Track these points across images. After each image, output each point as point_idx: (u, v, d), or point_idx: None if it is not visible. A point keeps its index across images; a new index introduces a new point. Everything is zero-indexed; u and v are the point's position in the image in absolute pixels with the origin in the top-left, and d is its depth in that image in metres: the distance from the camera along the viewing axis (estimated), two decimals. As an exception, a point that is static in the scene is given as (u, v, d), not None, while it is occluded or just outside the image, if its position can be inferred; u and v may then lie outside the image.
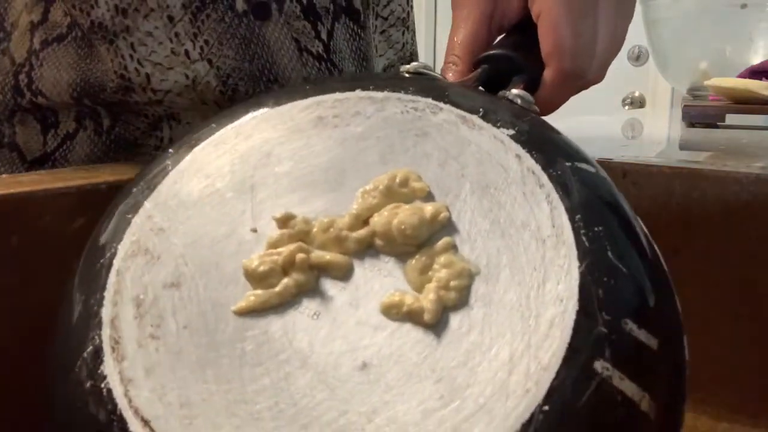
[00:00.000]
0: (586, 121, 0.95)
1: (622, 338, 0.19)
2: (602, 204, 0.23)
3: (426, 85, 0.27)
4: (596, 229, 0.22)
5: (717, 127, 0.80)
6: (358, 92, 0.26)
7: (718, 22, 0.98)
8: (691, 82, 1.00)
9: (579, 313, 0.20)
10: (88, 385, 0.20)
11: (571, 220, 0.22)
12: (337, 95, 0.26)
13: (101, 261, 0.22)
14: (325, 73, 0.51)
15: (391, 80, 0.27)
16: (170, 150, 0.26)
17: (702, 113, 0.81)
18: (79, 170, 0.42)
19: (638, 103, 2.09)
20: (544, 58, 0.32)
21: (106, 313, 0.21)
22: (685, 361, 0.22)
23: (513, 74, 0.32)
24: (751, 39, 0.97)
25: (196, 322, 0.21)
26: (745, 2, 0.94)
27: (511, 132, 0.24)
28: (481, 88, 0.31)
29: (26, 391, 0.30)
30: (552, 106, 0.33)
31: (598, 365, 0.19)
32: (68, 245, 0.31)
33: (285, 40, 0.49)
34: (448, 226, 0.22)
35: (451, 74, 0.33)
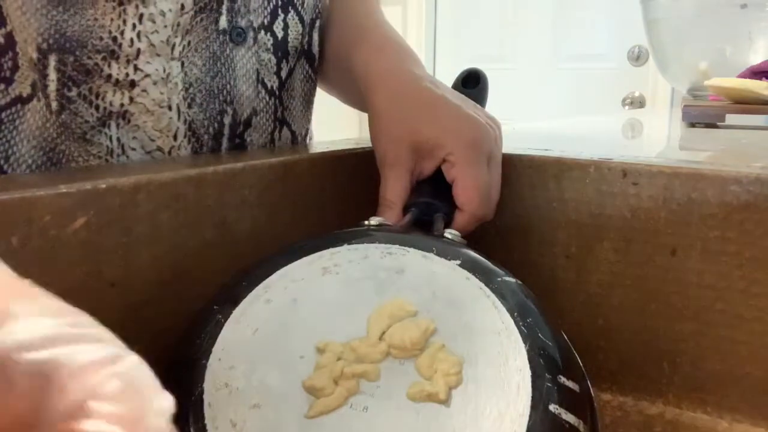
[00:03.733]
0: (586, 121, 0.91)
1: (560, 388, 0.33)
2: (526, 303, 0.37)
3: (389, 235, 0.40)
4: (528, 320, 0.35)
5: (717, 127, 0.81)
6: (346, 246, 0.39)
7: (718, 22, 1.01)
8: (691, 82, 1.03)
9: (532, 376, 0.33)
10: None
11: (512, 317, 0.35)
12: (332, 250, 0.39)
13: (192, 398, 0.32)
14: (271, 109, 0.59)
15: (365, 234, 0.41)
16: (216, 306, 0.36)
17: (702, 113, 0.82)
18: (79, 170, 0.43)
19: (638, 103, 2.06)
20: (459, 206, 0.47)
21: (213, 435, 0.31)
22: (592, 396, 0.36)
23: (434, 213, 0.46)
24: (751, 39, 1.00)
25: (281, 430, 0.31)
26: (745, 2, 0.97)
27: (458, 262, 0.38)
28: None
29: None
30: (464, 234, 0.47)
31: (551, 407, 0.32)
32: (68, 245, 0.36)
33: (249, 68, 0.56)
34: (436, 333, 0.35)
35: (388, 214, 0.47)
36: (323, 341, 0.34)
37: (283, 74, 0.58)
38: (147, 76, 0.48)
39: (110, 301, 0.38)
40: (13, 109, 0.45)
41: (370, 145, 0.51)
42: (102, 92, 0.47)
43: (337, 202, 0.53)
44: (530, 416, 0.31)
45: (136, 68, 0.47)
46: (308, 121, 0.65)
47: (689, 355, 0.48)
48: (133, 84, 0.48)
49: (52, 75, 0.45)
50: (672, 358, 0.48)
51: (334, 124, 0.70)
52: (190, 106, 0.51)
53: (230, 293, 0.36)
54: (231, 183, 0.45)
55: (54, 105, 0.46)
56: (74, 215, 0.35)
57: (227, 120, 0.54)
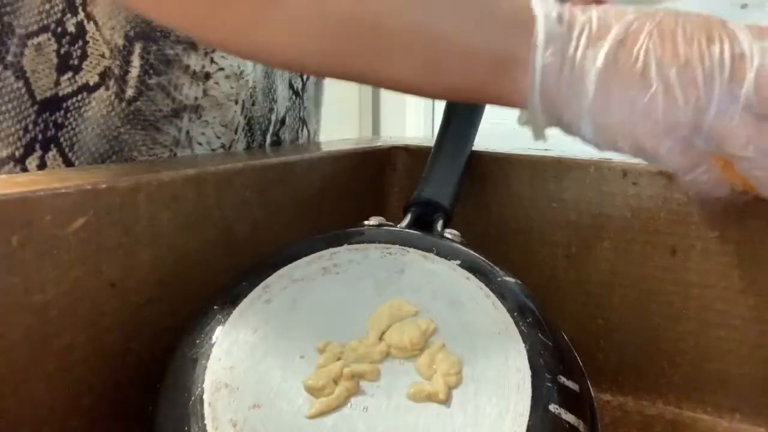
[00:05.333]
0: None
1: (560, 388, 0.33)
2: (526, 303, 0.37)
3: (389, 235, 0.41)
4: (528, 320, 0.36)
5: None
6: (346, 246, 0.39)
7: None
8: None
9: (532, 376, 0.33)
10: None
11: (512, 316, 0.35)
12: (332, 249, 0.39)
13: (192, 399, 0.32)
14: (297, 108, 0.61)
15: (365, 234, 0.41)
16: (215, 306, 0.36)
17: None
18: (79, 170, 0.44)
19: None
20: None
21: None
22: (592, 396, 0.37)
23: (434, 213, 0.46)
24: None
25: (282, 429, 0.31)
26: (745, 2, 0.98)
27: (458, 262, 0.38)
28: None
29: (26, 389, 0.35)
30: None
31: (551, 407, 0.32)
32: (68, 245, 0.36)
33: (283, 71, 0.58)
34: (436, 333, 0.35)
35: None
36: (323, 341, 0.34)
37: (305, 77, 0.61)
38: (221, 69, 0.50)
39: (110, 301, 0.38)
40: (79, 97, 0.47)
41: (370, 145, 0.51)
42: (180, 84, 0.49)
43: (337, 202, 0.53)
44: (530, 416, 0.31)
45: (212, 60, 0.50)
46: (317, 121, 0.68)
47: (689, 355, 0.48)
48: (207, 76, 0.50)
49: (136, 62, 0.47)
50: (672, 358, 0.48)
51: (334, 124, 0.71)
52: (253, 103, 0.54)
53: (230, 293, 0.36)
54: (231, 183, 0.45)
55: (131, 92, 0.48)
56: (74, 215, 0.36)
57: (273, 117, 0.58)
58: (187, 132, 0.51)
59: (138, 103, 0.48)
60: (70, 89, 0.47)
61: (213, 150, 0.53)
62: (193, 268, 0.43)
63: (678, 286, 0.47)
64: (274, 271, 0.37)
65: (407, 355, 0.34)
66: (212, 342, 0.34)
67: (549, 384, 0.33)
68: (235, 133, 0.54)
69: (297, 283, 0.37)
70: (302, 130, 0.63)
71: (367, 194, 0.51)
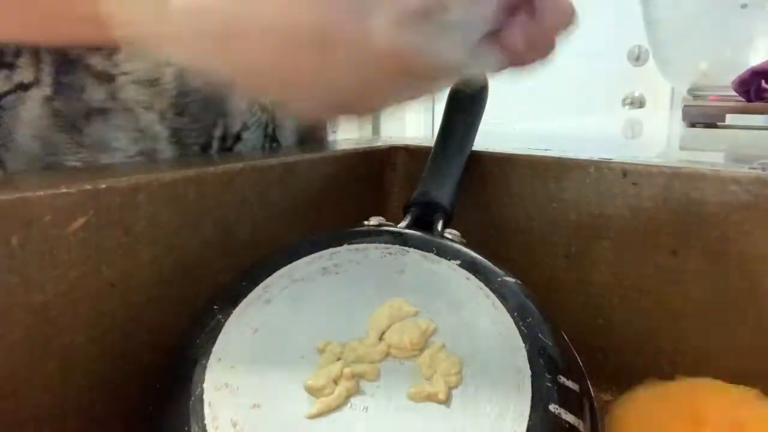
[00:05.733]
0: (586, 121, 0.91)
1: (560, 388, 0.33)
2: (526, 303, 0.37)
3: (389, 235, 0.41)
4: (528, 320, 0.36)
5: (717, 127, 0.83)
6: (346, 246, 0.39)
7: (718, 22, 1.02)
8: (691, 82, 1.04)
9: (532, 376, 0.33)
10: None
11: (512, 317, 0.36)
12: (332, 249, 0.39)
13: (192, 399, 0.32)
14: (262, 125, 0.57)
15: (365, 234, 0.41)
16: (215, 306, 0.36)
17: (702, 113, 0.84)
18: (79, 170, 0.44)
19: (638, 103, 2.10)
20: None
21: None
22: (592, 396, 0.37)
23: (434, 213, 0.46)
24: (751, 39, 1.01)
25: (282, 429, 0.31)
26: (745, 2, 0.98)
27: (459, 262, 0.39)
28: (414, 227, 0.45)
29: (26, 389, 0.35)
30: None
31: (551, 407, 0.32)
32: (68, 245, 0.36)
33: None
34: (436, 333, 0.35)
35: None
36: (323, 341, 0.34)
37: None
38: (125, 73, 0.48)
39: (110, 301, 0.38)
40: (14, 96, 0.46)
41: (370, 145, 0.51)
42: (85, 84, 0.47)
43: (337, 202, 0.54)
44: (530, 416, 0.31)
45: (115, 64, 0.48)
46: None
47: (689, 355, 0.48)
48: (111, 78, 0.48)
49: (46, 59, 0.46)
50: (672, 358, 0.49)
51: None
52: (181, 114, 0.51)
53: (230, 293, 0.37)
54: (231, 183, 0.45)
55: (48, 91, 0.46)
56: (74, 215, 0.36)
57: (217, 132, 0.54)
58: (103, 135, 0.49)
59: (56, 103, 0.47)
60: (5, 88, 0.45)
61: (131, 157, 0.50)
62: (193, 268, 0.43)
63: (678, 286, 0.47)
64: (274, 271, 0.37)
65: (407, 355, 0.34)
66: (212, 342, 0.34)
67: (549, 384, 0.33)
68: (155, 141, 0.51)
69: (297, 283, 0.37)
70: (270, 148, 0.59)
71: (367, 194, 0.51)
